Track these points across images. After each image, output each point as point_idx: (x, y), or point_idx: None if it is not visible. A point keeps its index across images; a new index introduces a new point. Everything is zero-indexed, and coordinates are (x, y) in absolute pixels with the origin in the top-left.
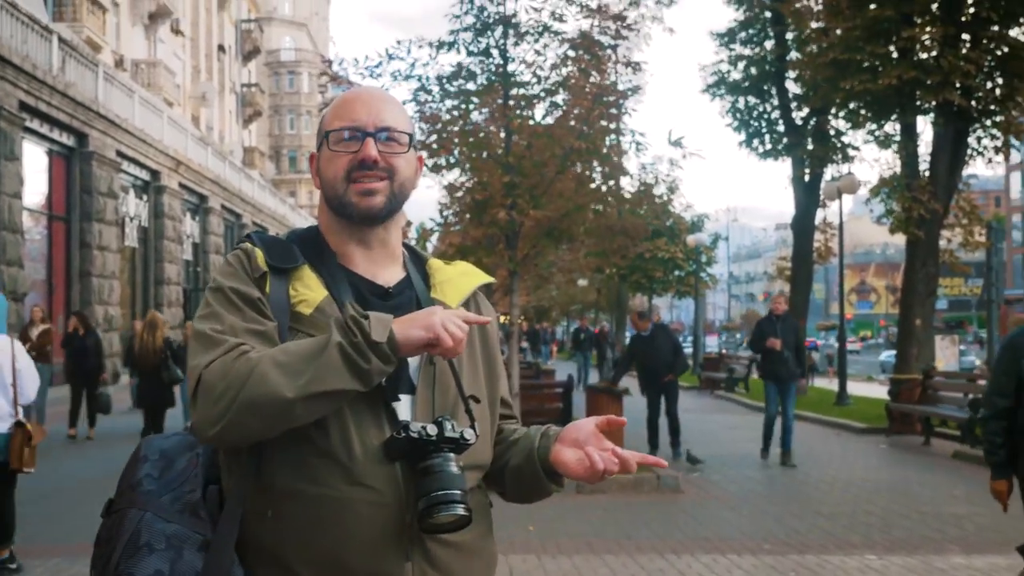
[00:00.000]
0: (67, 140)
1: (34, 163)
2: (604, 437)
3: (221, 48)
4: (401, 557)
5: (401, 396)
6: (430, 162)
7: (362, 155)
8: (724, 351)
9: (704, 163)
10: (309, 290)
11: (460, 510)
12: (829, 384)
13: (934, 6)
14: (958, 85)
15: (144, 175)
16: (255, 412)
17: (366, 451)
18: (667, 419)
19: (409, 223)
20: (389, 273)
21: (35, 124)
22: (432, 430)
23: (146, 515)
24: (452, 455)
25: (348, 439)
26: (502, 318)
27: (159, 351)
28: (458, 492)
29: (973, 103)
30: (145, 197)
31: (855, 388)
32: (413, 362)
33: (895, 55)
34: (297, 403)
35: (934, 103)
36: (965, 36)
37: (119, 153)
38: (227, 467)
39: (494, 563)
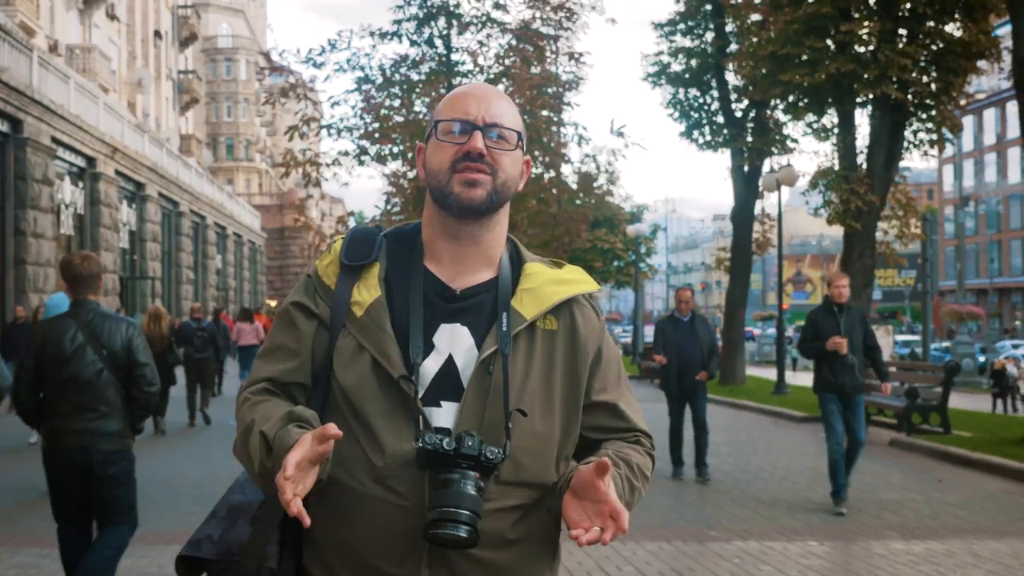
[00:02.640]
0: (1, 126)
1: None
2: (602, 486)
3: (157, 34)
4: (418, 563)
5: (443, 403)
6: (372, 150)
7: (468, 147)
8: None
9: (644, 153)
10: (367, 291)
11: (462, 531)
12: (765, 373)
13: (871, 1)
14: (894, 79)
15: (80, 162)
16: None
17: (396, 453)
18: (694, 430)
19: (350, 213)
20: (473, 275)
21: None
22: (449, 443)
23: (233, 484)
24: (472, 473)
25: (379, 438)
26: None
27: (165, 339)
28: (466, 512)
29: (909, 97)
30: (81, 184)
31: (793, 378)
32: (466, 368)
33: (833, 49)
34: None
35: (871, 96)
36: (902, 31)
37: (54, 139)
38: None
39: None
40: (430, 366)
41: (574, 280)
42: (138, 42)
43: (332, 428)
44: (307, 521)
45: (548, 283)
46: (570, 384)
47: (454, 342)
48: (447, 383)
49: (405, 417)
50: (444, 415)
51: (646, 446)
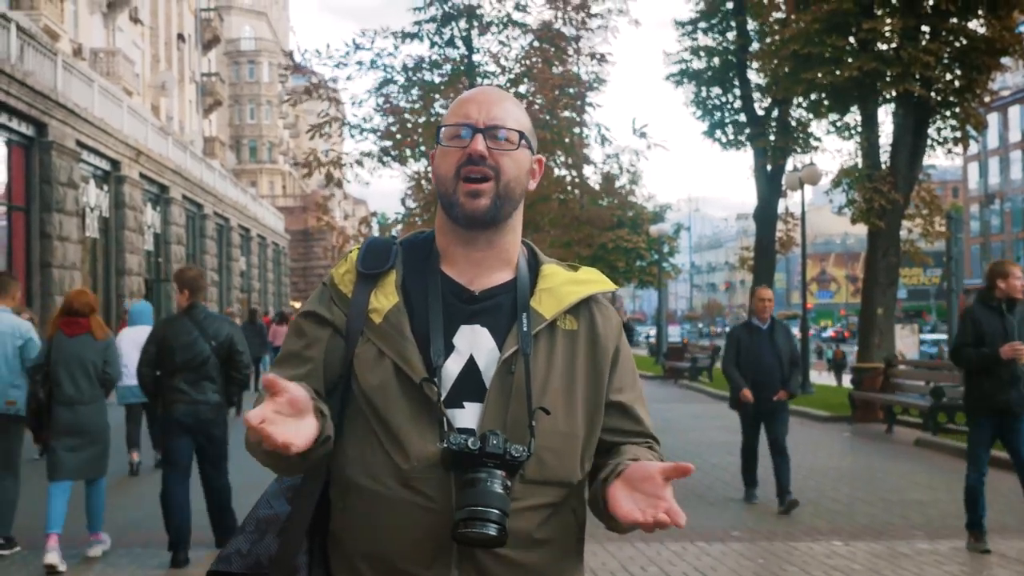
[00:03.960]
0: (26, 130)
1: None
2: (665, 485)
3: (180, 37)
4: (448, 565)
5: (466, 404)
6: (394, 152)
7: (469, 150)
8: (687, 340)
9: (667, 153)
10: (385, 298)
11: (492, 530)
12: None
13: None
14: (918, 76)
15: (104, 165)
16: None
17: (421, 456)
18: (771, 455)
19: (373, 214)
20: (490, 277)
21: None
22: (474, 443)
23: (261, 498)
24: (499, 472)
25: (404, 442)
26: None
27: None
28: (495, 511)
29: (933, 94)
30: (105, 187)
31: (817, 377)
32: (488, 369)
33: (856, 47)
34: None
35: (894, 94)
36: (925, 28)
37: (79, 143)
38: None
39: None
40: (452, 368)
41: (591, 280)
42: (161, 45)
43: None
44: (275, 437)
45: (566, 283)
46: (592, 383)
47: (475, 343)
48: (469, 384)
49: (429, 420)
50: (467, 416)
51: (658, 452)
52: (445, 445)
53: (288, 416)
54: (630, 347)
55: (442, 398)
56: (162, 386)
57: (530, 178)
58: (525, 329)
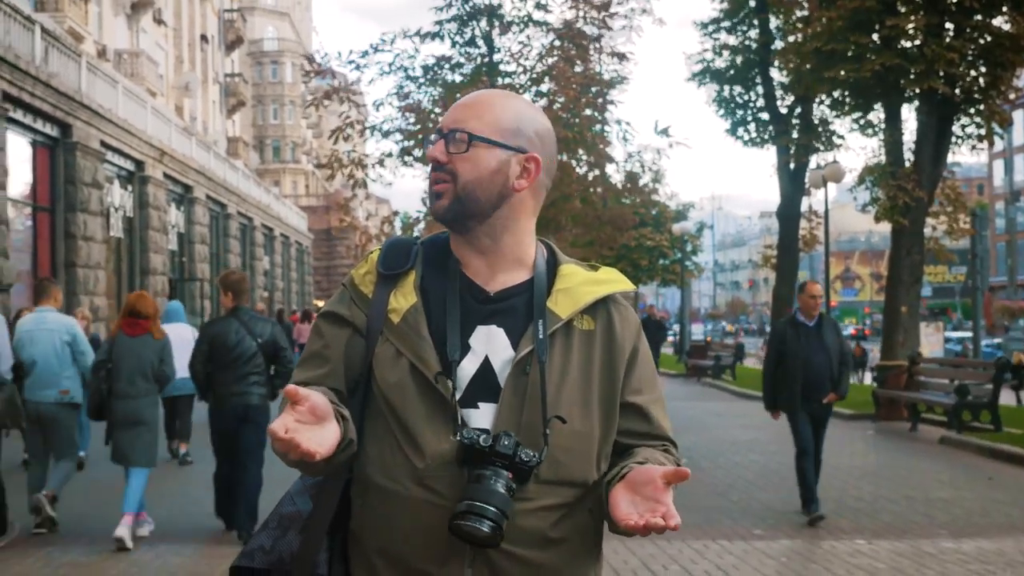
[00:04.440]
0: (51, 131)
1: (18, 153)
2: (665, 490)
3: (204, 38)
4: (461, 564)
5: (481, 405)
6: (416, 152)
7: (428, 154)
8: (709, 339)
9: (689, 151)
10: (403, 298)
11: (485, 527)
12: None
13: None
14: (942, 73)
15: (128, 165)
16: None
17: (436, 455)
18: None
19: (396, 213)
20: (507, 277)
21: (18, 115)
22: (486, 440)
23: (284, 496)
24: (506, 472)
25: (419, 441)
26: None
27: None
28: (492, 509)
29: (957, 91)
30: (130, 187)
31: None
32: (503, 370)
33: (879, 44)
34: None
35: (918, 91)
36: (949, 25)
37: (103, 143)
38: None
39: None
40: (467, 368)
41: (609, 280)
42: (185, 46)
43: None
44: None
45: (583, 283)
46: (608, 383)
47: (490, 344)
48: (484, 385)
49: (444, 419)
50: (482, 416)
51: (674, 455)
52: (458, 439)
53: (311, 424)
54: (660, 346)
55: (457, 398)
56: (212, 381)
57: (516, 178)
58: (541, 336)
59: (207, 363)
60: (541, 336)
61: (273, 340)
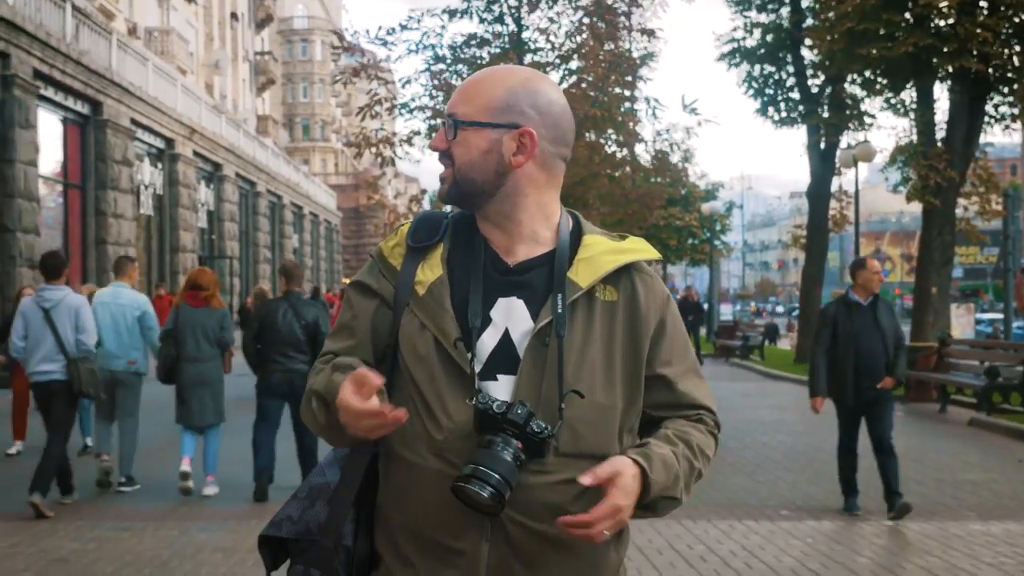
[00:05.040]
0: (81, 108)
1: (49, 131)
2: (615, 488)
3: (234, 16)
4: (479, 537)
5: (500, 377)
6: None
7: (430, 144)
8: (738, 319)
9: (719, 131)
10: (430, 270)
11: (486, 492)
12: None
13: None
14: (975, 52)
15: (158, 143)
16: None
17: (453, 426)
18: (875, 453)
19: (424, 191)
20: (528, 249)
21: (49, 92)
22: (499, 406)
23: (316, 467)
24: (515, 441)
25: (437, 412)
26: None
27: (249, 322)
28: (496, 476)
29: (990, 70)
30: (159, 165)
31: None
32: (522, 341)
33: (911, 22)
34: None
35: (950, 70)
36: (983, 3)
37: (133, 121)
38: None
39: (607, 570)
40: (488, 340)
41: (633, 249)
42: (215, 24)
43: (369, 376)
44: (401, 414)
45: (605, 252)
46: (631, 355)
47: (511, 315)
48: (504, 356)
49: (463, 391)
50: (501, 388)
51: (708, 424)
52: (472, 403)
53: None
54: (699, 329)
55: (475, 365)
56: (262, 356)
57: (512, 154)
58: (560, 310)
59: (256, 340)
60: (560, 308)
61: (315, 323)
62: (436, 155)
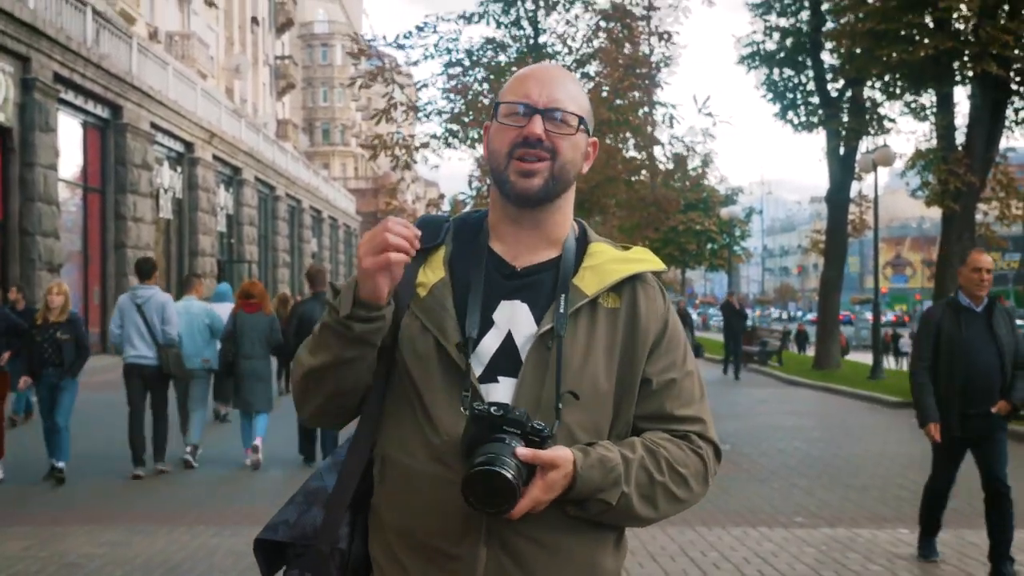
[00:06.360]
0: (101, 112)
1: (69, 135)
2: (547, 480)
3: (254, 20)
4: (476, 542)
5: (501, 379)
6: (463, 134)
7: (527, 132)
8: (757, 325)
9: (738, 135)
10: (432, 272)
11: (508, 471)
12: (861, 357)
13: None
14: (996, 56)
15: (178, 147)
16: (299, 387)
17: (452, 430)
18: (985, 493)
19: (441, 196)
20: (536, 254)
21: (70, 96)
22: (497, 410)
23: (314, 472)
24: (520, 441)
25: (435, 416)
26: None
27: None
28: (512, 462)
29: (1011, 74)
30: (179, 169)
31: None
32: (525, 345)
33: (932, 26)
34: (316, 371)
35: (971, 74)
36: (1004, 6)
37: (153, 125)
38: (354, 436)
39: None
40: (489, 343)
41: (638, 259)
42: (235, 28)
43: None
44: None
45: (611, 261)
46: (627, 363)
47: (514, 319)
48: (506, 359)
49: (461, 394)
50: (502, 391)
51: (694, 443)
52: (469, 411)
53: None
54: (741, 334)
55: (474, 370)
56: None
57: (584, 161)
58: (561, 311)
59: (296, 336)
60: (562, 311)
61: None
62: (453, 159)
